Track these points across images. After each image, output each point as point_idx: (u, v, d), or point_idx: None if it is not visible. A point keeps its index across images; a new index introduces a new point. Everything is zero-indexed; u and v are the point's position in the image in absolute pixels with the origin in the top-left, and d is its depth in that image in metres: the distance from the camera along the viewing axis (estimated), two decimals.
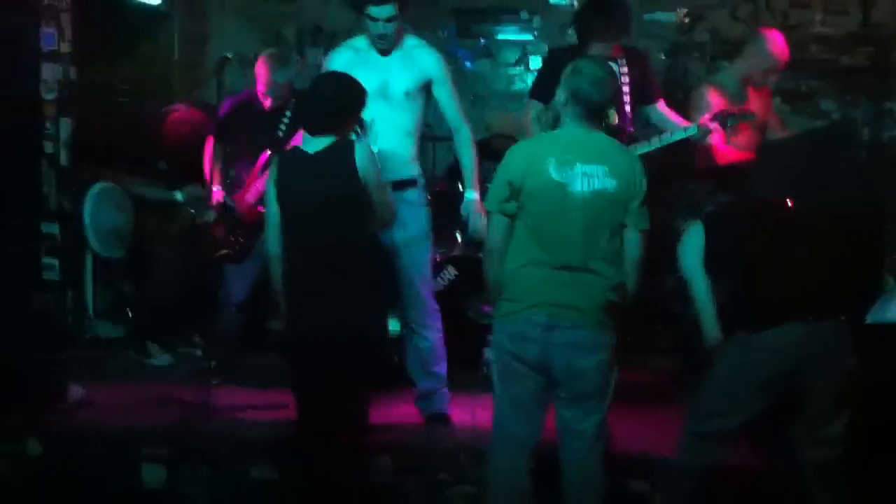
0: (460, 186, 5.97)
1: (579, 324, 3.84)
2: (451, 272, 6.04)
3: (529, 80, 7.65)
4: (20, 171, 5.77)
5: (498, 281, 3.97)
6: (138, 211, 6.23)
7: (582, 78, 3.93)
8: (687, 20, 7.50)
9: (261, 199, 5.35)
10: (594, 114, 3.95)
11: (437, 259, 5.78)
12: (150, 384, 5.62)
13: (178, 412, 5.14)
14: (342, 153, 4.27)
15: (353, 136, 4.44)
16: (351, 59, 4.92)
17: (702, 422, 4.10)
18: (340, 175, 4.25)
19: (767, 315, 3.98)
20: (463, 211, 5.07)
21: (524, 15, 7.73)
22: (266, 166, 5.55)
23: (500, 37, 7.77)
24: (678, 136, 5.30)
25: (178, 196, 6.17)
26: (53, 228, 5.79)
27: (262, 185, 5.58)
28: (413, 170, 5.01)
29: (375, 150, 4.57)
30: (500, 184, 3.94)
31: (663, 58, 7.50)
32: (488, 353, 4.99)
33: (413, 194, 4.97)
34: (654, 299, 6.10)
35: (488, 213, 4.11)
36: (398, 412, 4.99)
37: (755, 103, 5.68)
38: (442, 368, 5.02)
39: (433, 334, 4.99)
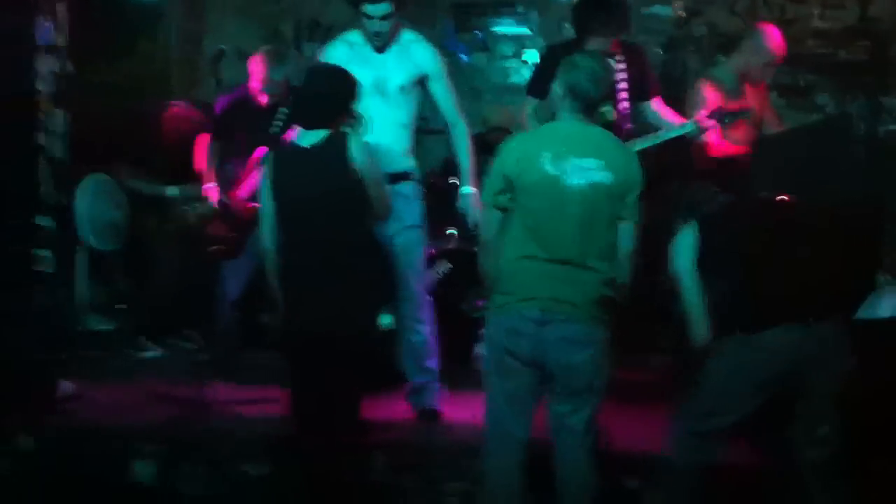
0: (455, 181, 6.00)
1: (573, 318, 3.84)
2: (444, 266, 6.04)
3: (526, 73, 7.67)
4: (15, 165, 5.75)
5: (493, 274, 3.98)
6: (134, 206, 6.21)
7: (579, 72, 3.95)
8: (684, 14, 7.49)
9: (255, 195, 5.35)
10: (590, 108, 3.96)
11: (431, 253, 5.78)
12: (144, 380, 5.64)
13: (173, 409, 5.15)
14: (337, 146, 4.27)
15: (348, 129, 4.44)
16: (346, 53, 4.92)
17: (699, 421, 4.10)
18: (335, 168, 4.25)
19: (767, 316, 3.98)
20: (461, 205, 5.06)
21: (521, 9, 7.75)
22: (260, 162, 5.55)
23: (497, 30, 7.78)
24: (675, 133, 5.29)
25: (173, 192, 6.14)
26: (47, 221, 5.78)
27: (255, 180, 5.59)
28: (408, 163, 5.01)
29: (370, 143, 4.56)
30: (495, 177, 3.95)
31: (661, 52, 7.50)
32: (480, 349, 5.01)
33: (407, 187, 4.98)
34: (653, 297, 6.11)
35: (483, 206, 4.11)
36: (389, 408, 4.98)
37: (752, 98, 5.68)
38: (434, 363, 5.02)
39: (425, 328, 4.99)
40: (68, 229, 5.77)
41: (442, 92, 5.01)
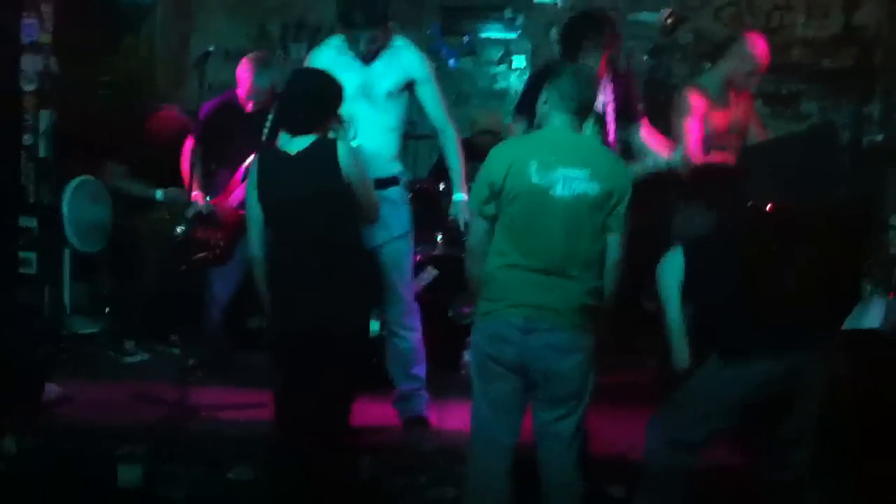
0: (442, 186, 6.00)
1: (557, 326, 3.84)
2: (431, 272, 6.03)
3: (513, 78, 7.74)
4: None
5: (478, 281, 3.99)
6: (120, 207, 6.19)
7: (564, 78, 3.98)
8: (670, 21, 7.51)
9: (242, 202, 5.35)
10: (577, 114, 3.96)
11: (418, 259, 5.77)
12: (129, 383, 5.59)
13: (157, 411, 5.12)
14: (325, 152, 4.25)
15: (333, 134, 4.43)
16: (332, 58, 4.89)
17: (676, 432, 4.10)
18: (324, 174, 4.23)
19: (748, 345, 3.98)
20: (452, 211, 5.05)
21: (508, 13, 7.76)
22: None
23: (484, 35, 7.79)
24: (661, 166, 5.30)
25: (158, 195, 6.12)
26: (31, 222, 5.74)
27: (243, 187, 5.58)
28: (395, 168, 4.99)
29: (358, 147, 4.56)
30: (482, 185, 3.95)
31: (646, 58, 7.53)
32: (467, 355, 5.00)
33: (395, 192, 4.95)
34: (640, 301, 6.13)
35: (471, 213, 4.12)
36: (376, 413, 4.97)
37: (737, 106, 5.70)
38: (421, 370, 5.00)
39: (412, 335, 4.98)
40: (53, 231, 5.74)
41: (430, 97, 4.98)
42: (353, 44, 4.78)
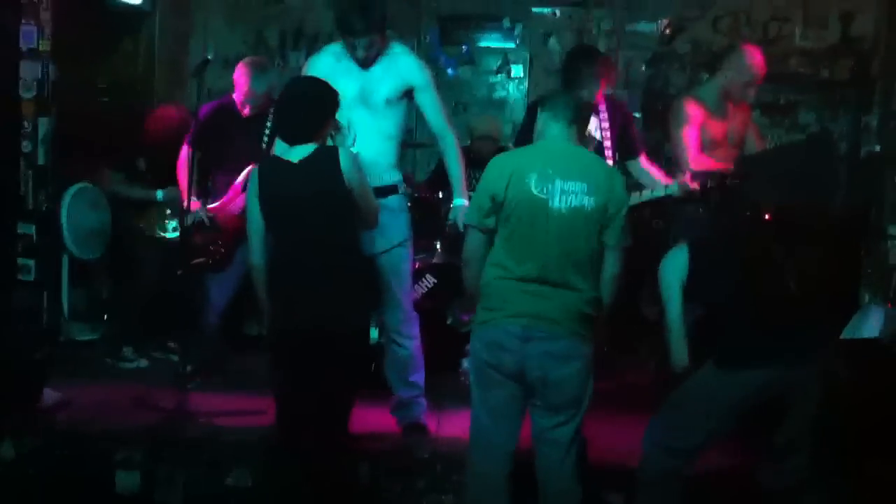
0: (441, 194, 6.01)
1: (555, 334, 3.86)
2: (429, 280, 6.04)
3: (511, 87, 7.76)
4: None
5: (475, 291, 4.00)
6: (118, 212, 6.18)
7: (556, 95, 4.12)
8: (668, 31, 7.54)
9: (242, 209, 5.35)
10: (573, 122, 3.98)
11: (417, 266, 5.78)
12: (125, 387, 5.58)
13: (155, 416, 5.11)
14: (326, 159, 4.25)
15: (330, 141, 4.43)
16: (331, 65, 4.89)
17: (670, 437, 4.10)
18: (327, 181, 4.23)
19: (744, 354, 3.99)
20: (451, 216, 5.04)
21: (507, 23, 7.78)
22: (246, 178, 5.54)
23: (483, 44, 7.81)
24: (658, 195, 5.35)
25: (159, 196, 6.11)
26: (30, 229, 5.73)
27: (241, 193, 5.59)
28: (394, 176, 4.99)
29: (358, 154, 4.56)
30: (483, 197, 3.96)
31: (644, 68, 7.55)
32: (466, 363, 5.00)
33: (394, 200, 4.95)
34: (638, 307, 6.14)
35: (466, 224, 4.12)
36: (375, 420, 4.96)
37: (734, 117, 5.72)
38: (420, 378, 5.00)
39: (411, 342, 4.97)
40: (51, 237, 5.73)
41: (430, 103, 4.98)
42: (351, 50, 4.79)
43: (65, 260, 6.21)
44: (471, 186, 4.92)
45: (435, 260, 6.15)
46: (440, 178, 5.78)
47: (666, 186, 5.33)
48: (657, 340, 5.82)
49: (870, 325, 4.80)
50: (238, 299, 5.94)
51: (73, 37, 6.43)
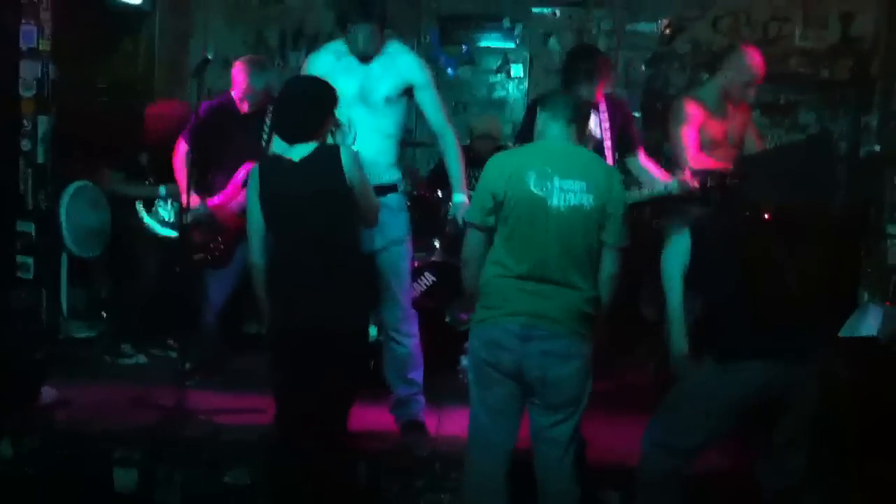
0: (440, 193, 6.01)
1: (554, 333, 3.85)
2: (428, 278, 6.04)
3: (511, 87, 7.76)
4: None
5: (474, 289, 4.00)
6: (118, 210, 6.18)
7: (555, 95, 4.13)
8: (668, 31, 7.55)
9: (242, 207, 5.35)
10: (572, 122, 3.99)
11: (416, 265, 5.78)
12: (124, 386, 5.57)
13: (154, 414, 5.10)
14: (328, 158, 4.25)
15: (331, 139, 4.43)
16: (331, 62, 4.89)
17: (668, 437, 4.10)
18: (328, 179, 4.23)
19: (742, 349, 3.98)
20: (452, 212, 5.05)
21: (507, 23, 7.79)
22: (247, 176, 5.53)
23: (483, 44, 7.82)
24: (658, 192, 5.35)
25: (162, 192, 6.10)
26: (29, 227, 5.74)
27: (241, 191, 5.58)
28: (394, 175, 4.99)
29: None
30: (483, 196, 3.96)
31: (644, 68, 7.56)
32: (465, 361, 5.00)
33: (393, 199, 4.95)
34: (638, 307, 6.14)
35: (466, 223, 4.11)
36: (373, 418, 4.96)
37: (734, 118, 5.72)
38: (418, 375, 4.99)
39: (410, 340, 4.96)
40: (50, 235, 5.73)
41: (429, 101, 4.98)
42: (351, 43, 4.80)
43: (64, 258, 6.21)
44: (471, 185, 4.92)
45: (434, 258, 6.16)
46: (439, 177, 5.78)
47: (666, 185, 5.33)
48: (656, 341, 5.85)
49: (868, 323, 4.80)
50: (237, 298, 5.94)
51: (72, 36, 6.44)
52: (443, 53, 7.76)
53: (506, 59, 7.79)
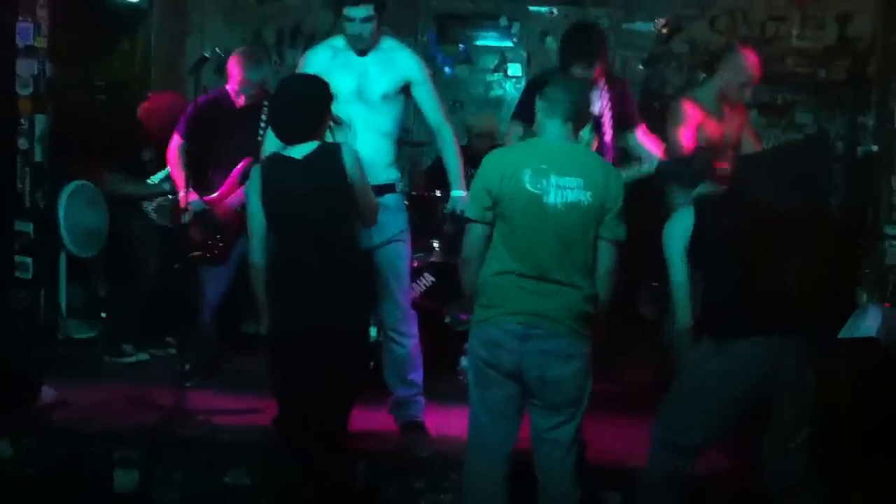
0: (438, 193, 6.01)
1: (554, 332, 3.84)
2: (428, 279, 6.04)
3: (508, 86, 7.78)
4: None
5: (474, 289, 3.98)
6: (117, 209, 6.17)
7: (556, 85, 4.03)
8: (665, 31, 7.55)
9: (241, 204, 5.34)
10: (570, 119, 3.97)
11: (415, 265, 5.77)
12: (123, 386, 5.57)
13: (152, 414, 5.10)
14: (330, 155, 4.26)
15: (329, 135, 4.43)
16: (329, 58, 4.89)
17: (673, 434, 4.10)
18: (330, 177, 4.23)
19: (739, 325, 3.97)
20: (450, 205, 5.04)
21: (504, 21, 7.79)
22: (246, 171, 5.52)
23: (480, 42, 7.82)
24: (633, 176, 5.30)
25: (166, 186, 6.06)
26: (27, 227, 5.74)
27: (238, 188, 5.58)
28: (392, 174, 4.98)
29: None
30: (479, 192, 3.95)
31: (641, 67, 7.56)
32: (464, 361, 5.00)
33: (391, 199, 4.94)
34: (633, 307, 6.14)
35: (465, 220, 4.11)
36: (373, 419, 4.95)
37: (731, 119, 5.72)
38: (418, 376, 4.98)
39: (409, 341, 4.96)
40: (49, 235, 5.73)
41: (427, 97, 4.98)
42: (348, 30, 4.78)
43: (62, 258, 6.21)
44: (469, 183, 4.92)
45: (433, 259, 6.15)
46: (437, 176, 5.78)
47: (645, 167, 5.31)
48: (655, 340, 5.86)
49: (867, 324, 4.81)
50: (235, 297, 5.93)
51: (69, 34, 6.44)
52: (440, 52, 7.76)
53: (503, 57, 7.80)
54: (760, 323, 3.94)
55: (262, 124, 5.62)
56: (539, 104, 4.04)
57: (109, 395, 5.44)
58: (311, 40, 7.43)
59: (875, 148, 6.58)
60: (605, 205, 3.88)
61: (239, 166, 5.63)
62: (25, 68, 6.25)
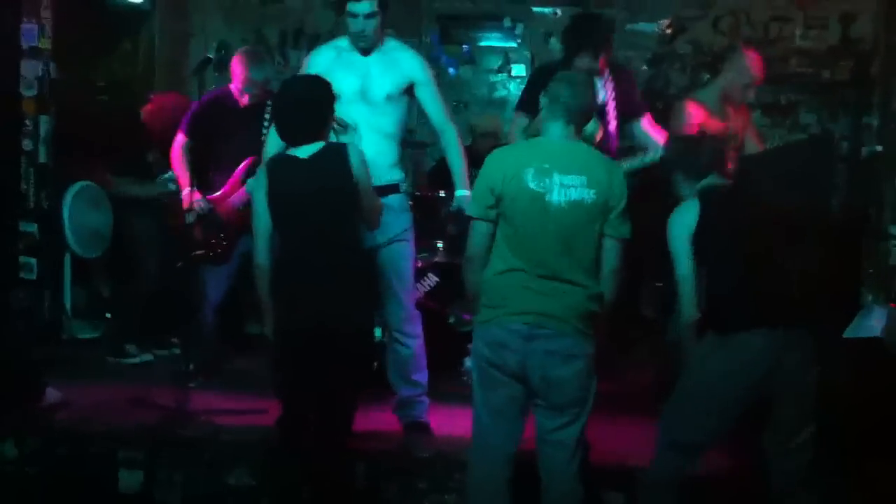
0: (443, 193, 6.01)
1: (559, 332, 3.83)
2: (432, 279, 6.04)
3: (512, 86, 7.77)
4: None
5: (478, 289, 3.97)
6: (121, 210, 6.17)
7: (560, 83, 4.00)
8: (669, 31, 7.55)
9: (244, 202, 5.35)
10: (573, 120, 3.96)
11: (419, 266, 5.77)
12: (127, 386, 5.57)
13: (155, 415, 5.11)
14: (336, 155, 4.27)
15: (333, 137, 4.43)
16: (332, 59, 4.89)
17: (677, 432, 4.10)
18: (337, 177, 4.24)
19: (742, 318, 3.96)
20: (455, 204, 5.04)
21: (507, 22, 7.80)
22: (249, 170, 5.52)
23: (484, 43, 7.83)
24: (636, 165, 5.31)
25: (172, 186, 6.05)
26: (31, 227, 5.75)
27: (241, 186, 5.58)
28: (395, 175, 4.99)
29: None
30: (482, 190, 3.94)
31: (645, 68, 7.56)
32: (468, 362, 5.00)
33: (395, 199, 4.94)
34: (635, 307, 6.13)
35: (469, 218, 4.10)
36: (376, 419, 4.96)
37: (734, 121, 5.72)
38: (422, 376, 4.98)
39: (413, 341, 4.96)
40: (53, 235, 5.74)
41: (430, 98, 4.98)
42: (351, 27, 4.78)
43: (67, 258, 6.21)
44: (473, 182, 4.92)
45: (437, 259, 6.15)
46: (441, 177, 5.77)
47: (647, 156, 5.30)
48: (657, 340, 5.86)
49: (871, 324, 4.80)
50: (237, 297, 5.93)
51: (73, 35, 6.45)
52: (444, 53, 7.77)
53: (507, 58, 7.80)
54: (763, 317, 3.93)
55: (265, 124, 5.62)
56: (543, 101, 4.03)
57: (112, 395, 5.44)
58: (315, 41, 7.45)
59: (879, 148, 6.57)
60: (608, 202, 3.87)
61: (241, 165, 5.64)
62: (30, 70, 6.26)
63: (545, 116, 4.01)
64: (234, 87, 5.74)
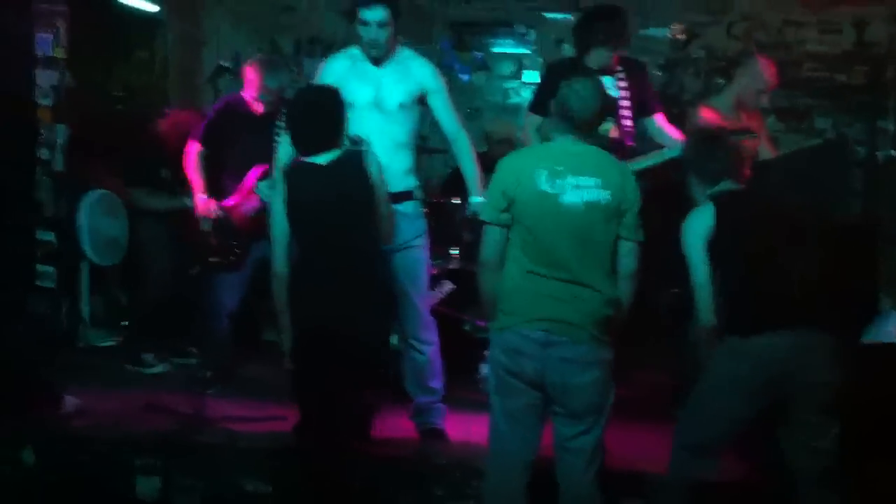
0: (458, 200, 6.01)
1: (576, 339, 3.82)
2: (447, 286, 6.04)
3: (525, 93, 7.75)
4: (14, 177, 5.74)
5: (493, 295, 3.96)
6: (137, 219, 6.19)
7: (569, 91, 3.97)
8: (682, 37, 7.55)
9: (259, 210, 5.37)
10: (580, 127, 3.95)
11: (434, 272, 5.78)
12: (144, 393, 5.57)
13: (173, 421, 5.12)
14: (356, 162, 4.30)
15: (347, 144, 4.45)
16: (346, 68, 4.91)
17: (691, 434, 4.09)
18: (356, 183, 4.27)
19: (757, 320, 3.95)
20: (470, 210, 5.02)
21: (520, 28, 7.80)
22: (263, 176, 5.54)
23: (497, 50, 7.84)
24: (670, 155, 5.27)
25: (189, 203, 6.07)
26: (49, 235, 5.77)
27: (255, 194, 5.60)
28: (409, 182, 5.00)
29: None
30: (495, 195, 3.93)
31: (659, 73, 7.55)
32: (484, 369, 5.00)
33: (409, 206, 4.95)
34: (652, 313, 6.10)
35: (482, 223, 4.10)
36: (393, 426, 4.96)
37: (748, 125, 5.72)
38: (438, 383, 4.99)
39: (429, 348, 4.97)
40: (70, 244, 5.76)
41: (442, 106, 4.99)
42: (364, 35, 4.78)
43: (84, 266, 6.23)
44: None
45: (452, 266, 6.15)
46: (456, 185, 5.78)
47: (662, 151, 5.25)
48: (672, 344, 5.84)
49: (888, 329, 4.80)
50: (252, 304, 5.94)
51: (87, 44, 6.47)
52: (457, 60, 7.78)
53: (520, 64, 7.81)
54: (778, 320, 3.92)
55: (278, 131, 5.64)
56: (554, 108, 4.02)
57: (129, 402, 5.44)
58: (329, 49, 7.46)
59: (894, 152, 6.57)
60: (622, 205, 3.86)
61: (254, 172, 5.65)
62: (45, 79, 6.28)
63: (557, 122, 4.00)
64: (248, 94, 5.75)
